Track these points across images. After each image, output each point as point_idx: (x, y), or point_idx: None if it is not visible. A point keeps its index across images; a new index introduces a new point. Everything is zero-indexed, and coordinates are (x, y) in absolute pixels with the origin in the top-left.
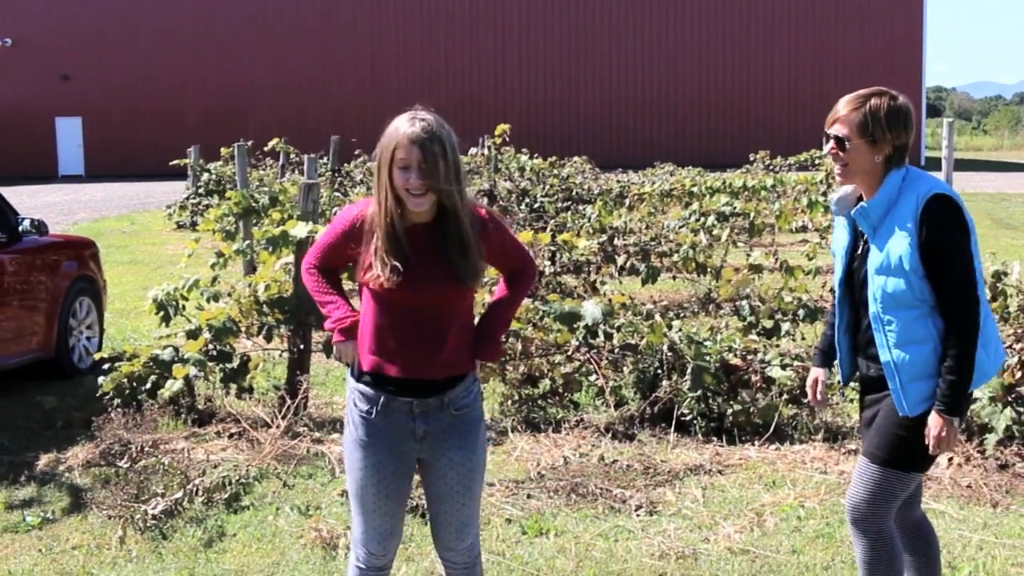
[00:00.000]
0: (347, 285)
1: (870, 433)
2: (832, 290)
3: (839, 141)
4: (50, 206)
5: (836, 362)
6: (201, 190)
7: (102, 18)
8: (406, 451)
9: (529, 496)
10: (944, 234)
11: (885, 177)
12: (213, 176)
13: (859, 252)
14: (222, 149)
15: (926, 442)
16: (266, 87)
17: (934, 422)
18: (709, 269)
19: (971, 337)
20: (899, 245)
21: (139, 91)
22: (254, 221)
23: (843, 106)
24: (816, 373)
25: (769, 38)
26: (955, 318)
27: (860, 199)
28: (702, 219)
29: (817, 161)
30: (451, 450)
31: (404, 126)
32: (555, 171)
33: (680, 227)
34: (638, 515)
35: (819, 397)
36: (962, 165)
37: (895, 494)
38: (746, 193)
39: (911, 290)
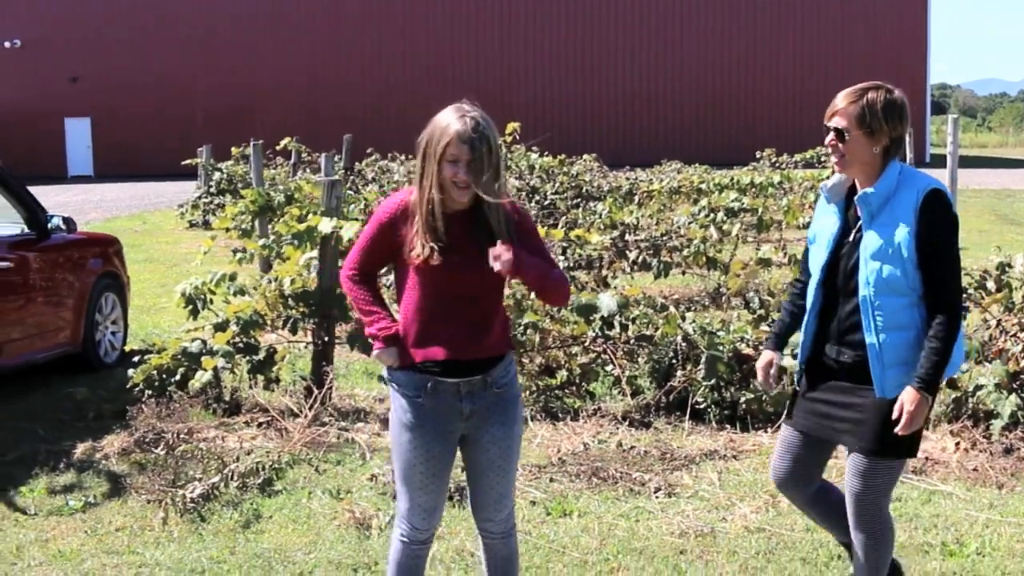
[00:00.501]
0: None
1: (859, 430)
2: (797, 277)
3: (839, 133)
4: (61, 206)
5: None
6: (213, 189)
7: (110, 19)
8: (452, 431)
9: (552, 480)
10: (940, 228)
11: (883, 167)
12: (225, 175)
13: (850, 239)
14: (233, 148)
15: (902, 423)
16: (274, 86)
17: (909, 396)
18: (719, 264)
19: (956, 323)
20: (899, 234)
21: (147, 92)
22: (269, 219)
23: (842, 99)
24: (770, 356)
25: (774, 36)
26: (943, 305)
27: (852, 188)
28: (712, 215)
29: (823, 158)
30: (493, 426)
31: (455, 123)
32: (564, 169)
33: (690, 223)
34: (657, 497)
35: (771, 380)
36: (967, 162)
37: (894, 482)
38: (753, 190)
39: (905, 277)
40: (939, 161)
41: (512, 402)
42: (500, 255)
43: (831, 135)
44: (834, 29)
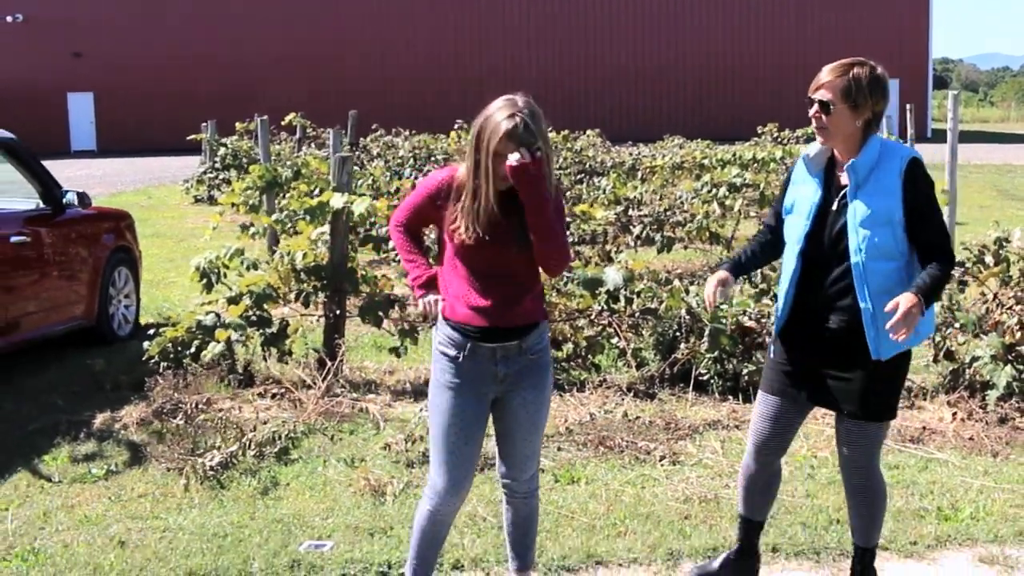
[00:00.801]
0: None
1: (850, 395)
2: (764, 226)
3: (824, 105)
4: (65, 181)
5: (777, 306)
6: (217, 164)
7: None
8: (487, 392)
9: (559, 449)
10: (924, 192)
11: (864, 141)
12: (230, 151)
13: (834, 208)
14: (237, 124)
15: (895, 319)
16: (277, 63)
17: (908, 299)
18: (721, 239)
19: (951, 266)
20: (888, 200)
21: (150, 67)
22: (277, 194)
23: (827, 73)
24: (724, 274)
25: (775, 11)
26: (938, 255)
27: (831, 161)
28: (714, 190)
29: None
30: (525, 390)
31: (505, 122)
32: (568, 144)
33: (693, 198)
34: (662, 465)
35: (715, 297)
36: (968, 137)
37: (882, 442)
38: (755, 165)
39: (895, 241)
40: (940, 136)
41: (544, 368)
42: (513, 160)
43: (815, 107)
44: (836, 3)
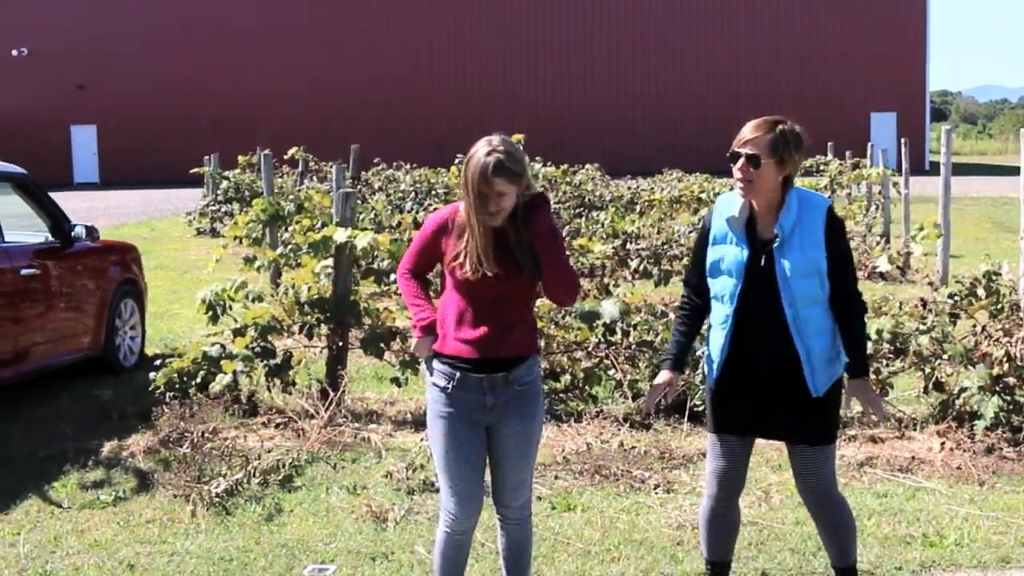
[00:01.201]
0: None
1: (800, 425)
2: (686, 299)
3: (752, 159)
4: (69, 213)
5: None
6: (220, 197)
7: (116, 28)
8: (478, 420)
9: (556, 477)
10: (843, 240)
11: (786, 195)
12: (232, 183)
13: (762, 264)
14: (239, 157)
15: (862, 409)
16: (279, 95)
17: (864, 387)
18: None
19: (863, 310)
20: (814, 251)
21: (153, 100)
22: (280, 227)
23: (752, 130)
24: (669, 375)
25: (773, 45)
26: (855, 303)
27: (751, 218)
28: None
29: (822, 167)
30: (513, 420)
31: (482, 160)
32: (567, 178)
33: (690, 232)
34: (656, 493)
35: (661, 398)
36: (966, 169)
37: (834, 463)
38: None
39: (822, 287)
40: (938, 169)
41: (533, 398)
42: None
43: (742, 160)
44: (834, 37)
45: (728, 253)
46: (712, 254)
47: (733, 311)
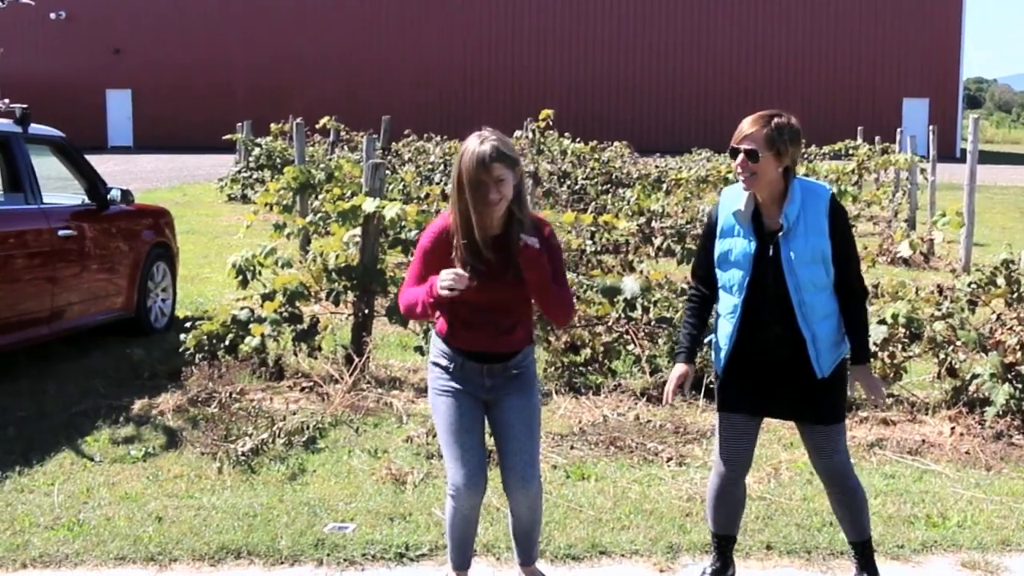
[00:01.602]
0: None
1: (810, 406)
2: (695, 290)
3: (751, 153)
4: (103, 176)
5: (712, 349)
6: (252, 164)
7: None
8: (476, 395)
9: (572, 447)
10: (846, 227)
11: (789, 185)
12: (264, 151)
13: (769, 253)
14: (272, 125)
15: (864, 394)
16: (313, 64)
17: (865, 372)
18: None
19: (865, 300)
20: (818, 239)
21: (188, 66)
22: (310, 195)
23: (749, 125)
24: (684, 369)
25: (808, 29)
26: (858, 289)
27: (756, 210)
28: None
29: (851, 152)
30: (512, 396)
31: (476, 149)
32: (596, 155)
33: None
34: (669, 466)
35: (675, 393)
36: (997, 158)
37: (846, 439)
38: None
39: (827, 275)
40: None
41: (529, 380)
42: (528, 242)
43: (741, 156)
44: (868, 23)
45: (736, 245)
46: (720, 246)
47: (742, 300)
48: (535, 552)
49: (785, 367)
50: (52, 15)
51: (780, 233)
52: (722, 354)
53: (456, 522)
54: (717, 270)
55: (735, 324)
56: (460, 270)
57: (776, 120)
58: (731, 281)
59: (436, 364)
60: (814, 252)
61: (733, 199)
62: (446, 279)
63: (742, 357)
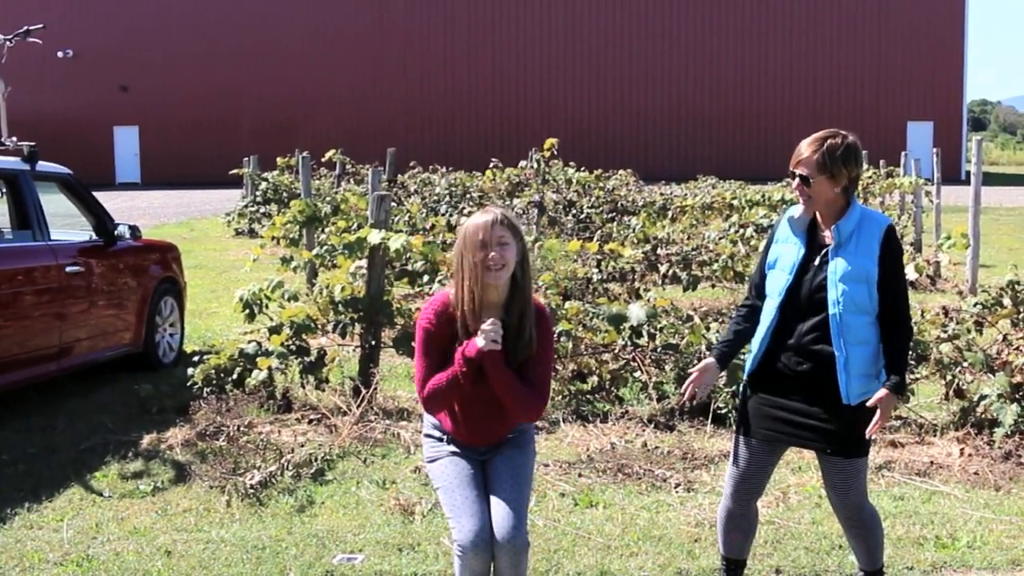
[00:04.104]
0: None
1: (831, 435)
2: (746, 300)
3: (804, 179)
4: (111, 212)
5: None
6: (259, 198)
7: (160, 31)
8: (474, 459)
9: (580, 475)
10: (897, 256)
11: (846, 203)
12: (271, 185)
13: (815, 263)
14: (278, 159)
15: (875, 417)
16: (319, 99)
17: (888, 399)
18: (746, 278)
19: (910, 334)
20: (866, 261)
21: (194, 102)
22: (316, 228)
23: (804, 149)
24: (712, 363)
25: (812, 54)
26: (902, 319)
27: (812, 222)
28: (741, 231)
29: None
30: (505, 450)
31: (482, 216)
32: (601, 183)
33: (720, 238)
34: (677, 492)
35: (697, 387)
36: (1002, 179)
37: (866, 476)
38: (784, 206)
39: (870, 298)
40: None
41: (526, 440)
42: (488, 332)
43: (796, 180)
44: (871, 48)
45: (786, 251)
46: (773, 252)
47: (779, 304)
48: None
49: (811, 386)
50: (60, 53)
51: (830, 247)
52: (751, 356)
53: None
54: (767, 275)
55: (768, 326)
56: (493, 319)
57: (829, 142)
58: (775, 285)
59: (429, 436)
60: (858, 271)
61: (796, 210)
62: (487, 329)
63: (771, 366)
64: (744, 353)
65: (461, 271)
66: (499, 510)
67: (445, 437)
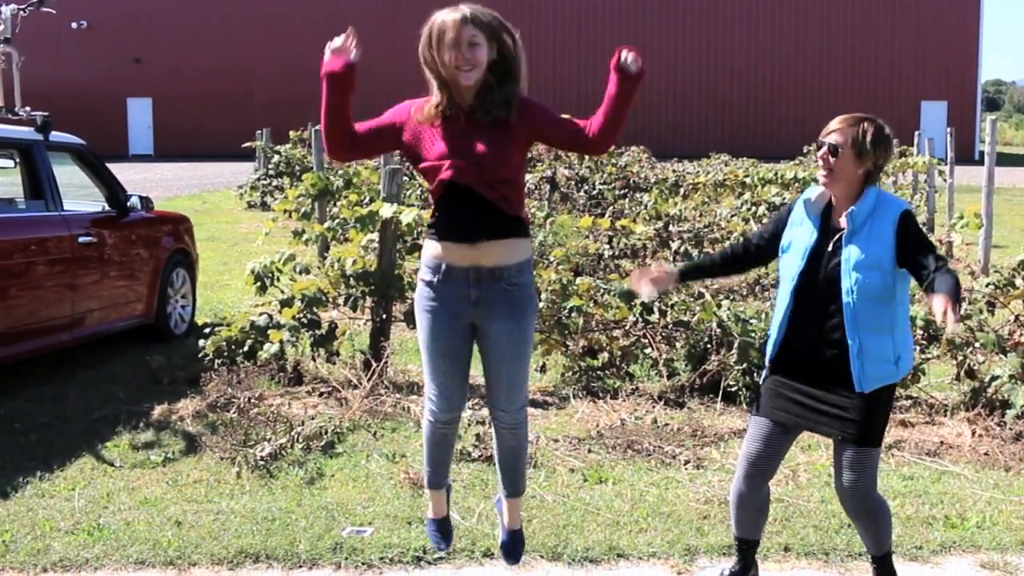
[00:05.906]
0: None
1: (845, 422)
2: (733, 244)
3: (833, 148)
4: (124, 184)
5: (772, 339)
6: (271, 171)
7: (174, 4)
8: (462, 314)
9: (590, 451)
10: (915, 232)
11: (864, 190)
12: (283, 158)
13: (828, 249)
14: (291, 132)
15: (940, 322)
16: None
17: (943, 299)
18: None
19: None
20: (880, 248)
21: (208, 74)
22: (328, 202)
23: (838, 122)
24: (673, 272)
25: (825, 33)
26: (941, 265)
27: (828, 205)
28: (753, 208)
29: None
30: (501, 319)
31: (446, 12)
32: (613, 160)
33: (732, 216)
34: (686, 469)
35: (647, 282)
36: (1017, 160)
37: (877, 467)
38: (797, 184)
39: (884, 286)
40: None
41: (524, 300)
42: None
43: (824, 149)
44: (885, 26)
45: (800, 235)
46: (787, 235)
47: (792, 289)
48: (521, 484)
49: (827, 372)
50: (73, 24)
51: (843, 233)
52: (771, 342)
53: (431, 438)
54: (780, 259)
55: (784, 313)
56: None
57: (865, 123)
58: (788, 270)
59: (421, 279)
60: (872, 259)
61: (813, 193)
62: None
63: (788, 350)
64: (755, 331)
65: (435, 77)
66: (501, 385)
67: (436, 279)
